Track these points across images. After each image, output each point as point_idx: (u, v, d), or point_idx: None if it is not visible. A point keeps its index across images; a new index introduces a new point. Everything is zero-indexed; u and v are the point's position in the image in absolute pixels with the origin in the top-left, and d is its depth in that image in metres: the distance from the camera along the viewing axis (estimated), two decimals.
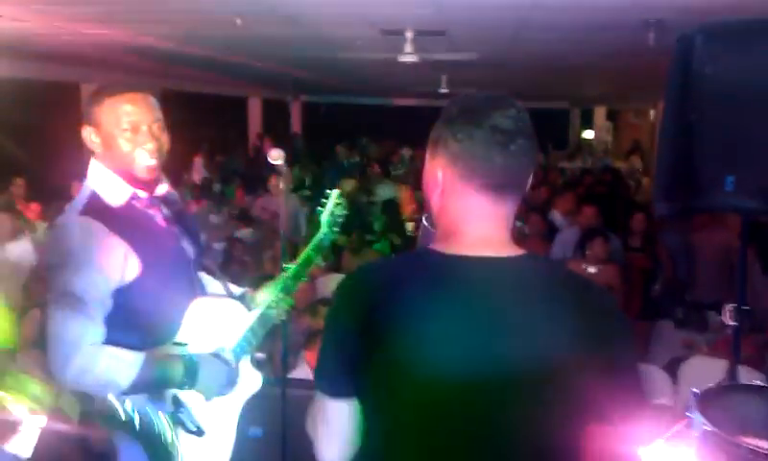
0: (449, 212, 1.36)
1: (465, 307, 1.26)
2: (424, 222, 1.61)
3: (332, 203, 2.72)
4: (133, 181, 2.12)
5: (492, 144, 1.29)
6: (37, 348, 4.71)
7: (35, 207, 7.74)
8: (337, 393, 1.37)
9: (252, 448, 2.86)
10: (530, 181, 1.38)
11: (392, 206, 8.29)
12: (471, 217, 1.34)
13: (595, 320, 1.29)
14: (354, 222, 7.93)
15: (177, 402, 2.14)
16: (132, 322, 2.04)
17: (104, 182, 2.11)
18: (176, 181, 11.31)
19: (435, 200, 1.39)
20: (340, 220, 2.72)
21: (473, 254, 1.31)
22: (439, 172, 1.36)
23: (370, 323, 1.29)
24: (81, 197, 2.12)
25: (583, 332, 1.26)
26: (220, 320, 2.29)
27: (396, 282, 1.32)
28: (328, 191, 2.78)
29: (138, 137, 2.08)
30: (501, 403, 1.25)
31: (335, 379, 1.37)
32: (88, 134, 2.15)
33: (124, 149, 2.07)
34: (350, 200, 8.83)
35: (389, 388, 1.30)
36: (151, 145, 2.09)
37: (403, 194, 8.32)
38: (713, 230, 5.88)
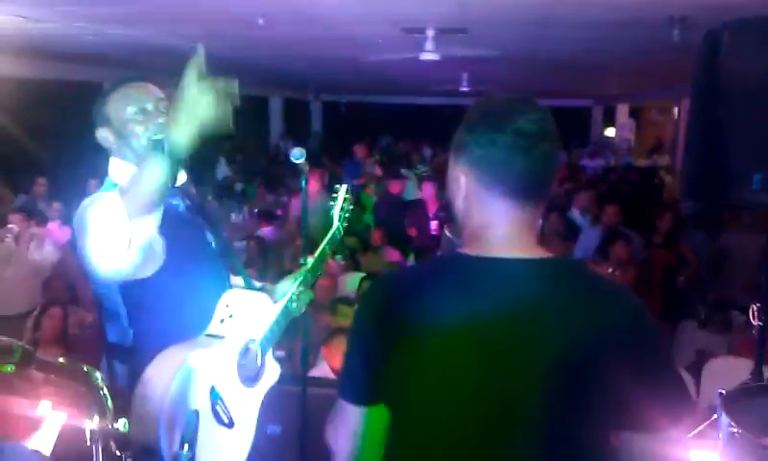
0: (474, 217, 1.36)
1: (492, 310, 1.26)
2: (447, 233, 1.60)
3: (341, 198, 2.84)
4: None
5: (515, 149, 1.28)
6: (58, 345, 4.77)
7: (56, 206, 7.82)
8: (361, 400, 1.37)
9: (272, 446, 2.87)
10: (554, 183, 1.36)
11: (416, 206, 8.29)
12: (496, 221, 1.33)
13: (623, 321, 1.27)
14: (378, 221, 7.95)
15: (213, 393, 2.15)
16: (163, 307, 2.05)
17: (125, 176, 2.12)
18: (198, 181, 11.42)
19: (458, 204, 1.38)
20: (348, 214, 2.84)
21: (500, 256, 1.30)
22: (462, 177, 1.35)
23: (396, 330, 1.29)
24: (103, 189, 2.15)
25: (610, 334, 1.25)
26: (250, 311, 2.29)
27: (421, 288, 1.32)
28: (338, 186, 2.91)
29: (147, 116, 2.13)
30: (530, 406, 1.24)
31: (360, 386, 1.37)
32: (102, 135, 2.20)
33: (137, 130, 2.12)
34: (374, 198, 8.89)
35: (416, 393, 1.29)
36: (161, 119, 2.11)
37: (426, 192, 8.30)
38: (742, 228, 5.82)
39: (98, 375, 1.06)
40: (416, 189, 9.09)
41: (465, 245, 1.37)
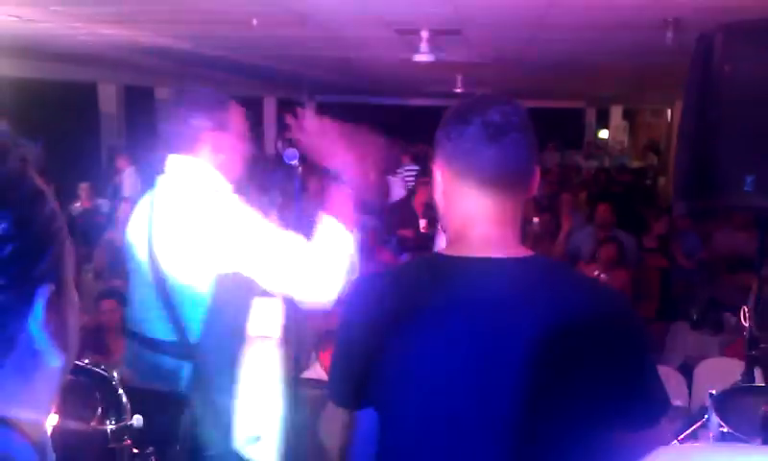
0: (453, 214, 1.37)
1: (469, 310, 1.26)
2: (440, 227, 1.60)
3: None
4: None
5: (483, 138, 1.28)
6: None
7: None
8: (349, 404, 1.39)
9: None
10: (535, 179, 1.36)
11: (402, 205, 8.33)
12: (474, 218, 1.33)
13: (604, 322, 1.27)
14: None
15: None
16: (228, 308, 2.13)
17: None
18: None
19: (438, 200, 1.40)
20: None
21: (478, 255, 1.30)
22: (438, 173, 1.37)
23: (376, 333, 1.29)
24: None
25: (590, 335, 1.24)
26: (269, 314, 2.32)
27: (402, 288, 1.34)
28: None
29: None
30: (506, 406, 1.23)
31: (346, 391, 1.39)
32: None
33: (244, 143, 2.34)
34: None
35: (397, 393, 1.30)
36: None
37: (418, 191, 8.35)
38: (734, 230, 5.84)
39: (115, 374, 1.07)
40: (401, 190, 9.12)
41: (448, 243, 1.38)
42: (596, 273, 5.43)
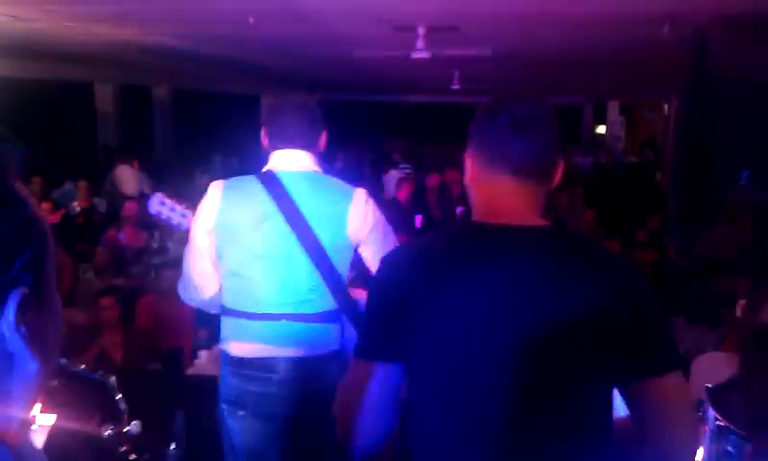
0: (480, 195, 1.50)
1: (495, 272, 1.37)
2: (458, 213, 1.78)
3: None
4: None
5: (510, 130, 1.42)
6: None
7: (45, 207, 7.80)
8: (373, 355, 1.48)
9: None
10: (558, 170, 1.49)
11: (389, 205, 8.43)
12: (500, 197, 1.46)
13: (618, 287, 1.35)
14: None
15: None
16: None
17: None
18: (190, 180, 11.38)
19: (468, 186, 1.55)
20: None
21: (506, 223, 1.42)
22: (469, 161, 1.52)
23: (411, 291, 1.42)
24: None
25: (605, 297, 1.34)
26: None
27: (434, 252, 1.47)
28: None
29: None
30: (524, 363, 1.33)
31: (373, 343, 1.49)
32: (264, 134, 2.53)
33: None
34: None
35: (423, 347, 1.41)
36: None
37: (401, 187, 8.45)
38: (729, 225, 5.84)
39: (113, 380, 1.07)
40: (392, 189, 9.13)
41: (475, 215, 1.51)
42: None
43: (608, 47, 7.33)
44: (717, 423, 1.80)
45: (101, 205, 9.10)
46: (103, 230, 7.19)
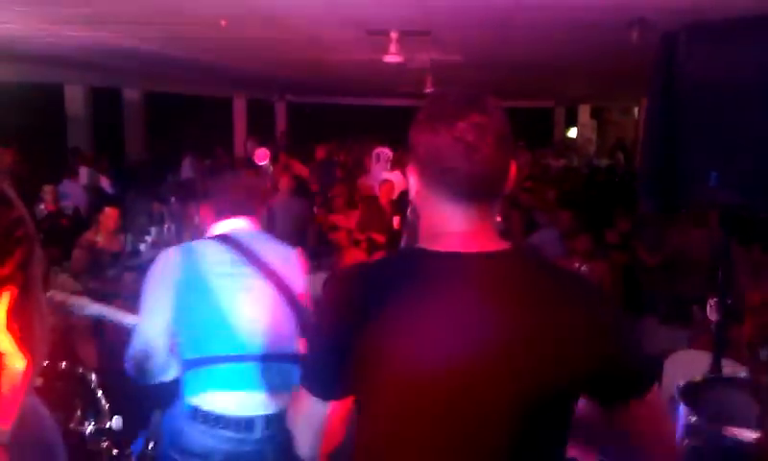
0: (427, 213, 1.38)
1: (450, 304, 1.27)
2: (409, 215, 1.65)
3: None
4: None
5: (456, 155, 1.27)
6: None
7: None
8: (324, 394, 1.38)
9: None
10: (510, 179, 1.36)
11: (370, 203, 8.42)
12: (447, 218, 1.34)
13: (582, 312, 1.29)
14: None
15: None
16: None
17: None
18: (162, 182, 11.28)
19: (414, 198, 1.41)
20: None
21: (456, 250, 1.32)
22: (413, 176, 1.38)
23: (358, 322, 1.29)
24: None
25: (569, 324, 1.27)
26: None
27: (382, 282, 1.33)
28: None
29: None
30: (487, 396, 1.26)
31: (323, 381, 1.38)
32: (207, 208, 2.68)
33: None
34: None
35: (378, 385, 1.31)
36: None
37: (383, 189, 8.42)
38: (697, 226, 5.94)
39: (93, 377, 1.07)
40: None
41: (423, 239, 1.38)
42: (577, 265, 5.50)
43: (577, 52, 7.42)
44: (689, 419, 1.84)
45: (68, 208, 8.97)
46: (71, 234, 7.10)
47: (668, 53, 2.51)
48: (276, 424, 2.38)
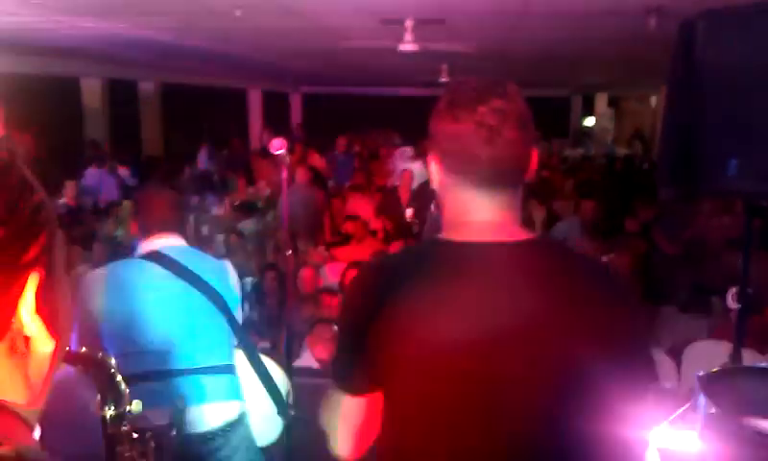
0: (449, 203, 1.38)
1: (474, 294, 1.27)
2: (432, 209, 1.65)
3: None
4: None
5: (477, 141, 1.27)
6: None
7: None
8: (355, 390, 1.38)
9: None
10: (532, 165, 1.36)
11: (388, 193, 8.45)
12: (471, 208, 1.34)
13: (602, 304, 1.29)
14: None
15: None
16: None
17: None
18: (179, 174, 11.33)
19: (436, 188, 1.42)
20: None
21: (479, 240, 1.31)
22: (434, 164, 1.38)
23: (384, 317, 1.29)
24: None
25: (589, 315, 1.27)
26: None
27: (406, 275, 1.32)
28: None
29: None
30: (512, 387, 1.26)
31: (353, 376, 1.38)
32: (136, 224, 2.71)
33: None
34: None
35: (404, 375, 1.31)
36: None
37: (402, 182, 8.39)
38: (720, 214, 5.89)
39: (113, 361, 1.09)
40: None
41: (446, 229, 1.38)
42: (602, 258, 5.49)
43: (594, 40, 7.36)
44: (709, 410, 1.82)
45: (88, 203, 9.05)
46: (91, 227, 7.18)
47: (687, 40, 2.48)
48: (217, 438, 2.46)
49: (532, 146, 1.35)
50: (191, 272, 2.51)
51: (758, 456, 1.71)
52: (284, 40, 7.88)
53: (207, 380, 2.49)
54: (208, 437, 2.46)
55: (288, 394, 2.86)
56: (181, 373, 2.43)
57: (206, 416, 2.46)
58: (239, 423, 2.59)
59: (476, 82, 1.34)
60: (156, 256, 2.52)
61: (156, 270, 2.49)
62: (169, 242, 2.58)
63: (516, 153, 1.31)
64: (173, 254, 2.53)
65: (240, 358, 2.68)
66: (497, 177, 1.31)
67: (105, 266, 2.61)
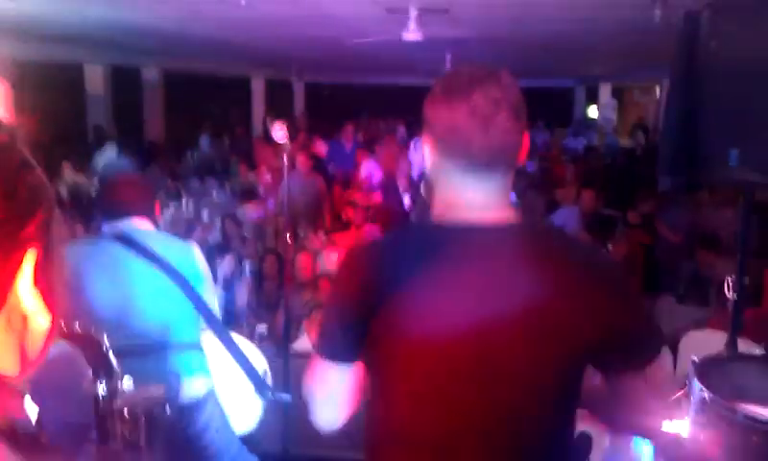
0: (441, 186, 1.40)
1: (459, 273, 1.30)
2: (422, 190, 1.67)
3: None
4: None
5: (470, 127, 1.30)
6: None
7: None
8: (338, 357, 1.41)
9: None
10: (523, 149, 1.38)
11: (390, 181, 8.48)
12: (462, 191, 1.36)
13: (593, 285, 1.32)
14: None
15: None
16: None
17: None
18: (180, 160, 11.32)
19: (428, 172, 1.44)
20: None
21: (470, 223, 1.34)
22: (428, 148, 1.40)
23: (372, 291, 1.33)
24: None
25: (581, 297, 1.29)
26: None
27: (392, 254, 1.37)
28: None
29: None
30: (504, 363, 1.29)
31: (337, 345, 1.41)
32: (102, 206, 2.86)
33: None
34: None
35: (393, 352, 1.35)
36: None
37: (399, 170, 8.46)
38: (721, 205, 5.90)
39: (105, 338, 1.12)
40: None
41: (437, 212, 1.41)
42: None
43: (599, 30, 7.34)
44: (701, 394, 1.84)
45: (86, 186, 9.04)
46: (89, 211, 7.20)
47: (691, 31, 2.49)
48: (184, 414, 2.51)
49: (523, 128, 1.37)
50: (152, 253, 2.55)
51: (749, 441, 1.73)
52: (288, 29, 7.87)
53: (170, 357, 2.54)
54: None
55: (265, 373, 2.88)
56: (139, 349, 2.44)
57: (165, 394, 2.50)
58: (207, 400, 2.63)
59: (471, 68, 1.36)
60: (121, 237, 2.57)
61: (117, 249, 2.53)
62: (133, 224, 2.63)
63: (508, 140, 1.33)
64: (136, 236, 2.58)
65: (212, 339, 2.72)
66: (489, 163, 1.34)
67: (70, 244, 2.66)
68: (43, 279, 0.75)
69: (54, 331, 0.79)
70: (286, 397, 2.93)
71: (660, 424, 1.44)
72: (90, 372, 1.14)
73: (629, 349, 1.34)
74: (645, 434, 1.42)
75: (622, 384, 1.37)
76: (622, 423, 1.50)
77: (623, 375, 1.36)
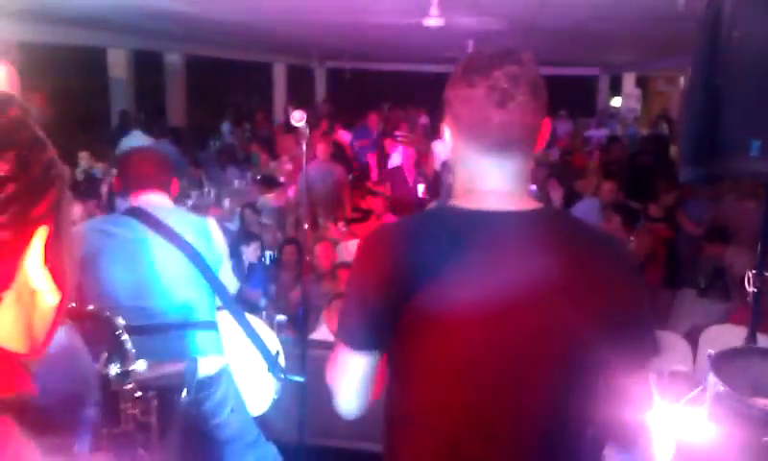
0: (461, 169, 1.41)
1: (484, 261, 1.30)
2: (444, 175, 1.68)
3: None
4: None
5: (490, 104, 1.30)
6: None
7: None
8: (359, 346, 1.40)
9: (275, 405, 2.95)
10: (543, 133, 1.38)
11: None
12: (480, 174, 1.37)
13: (607, 275, 1.32)
14: None
15: None
16: None
17: None
18: (204, 147, 11.36)
19: (449, 156, 1.45)
20: None
21: (488, 208, 1.34)
22: (447, 131, 1.41)
23: (392, 277, 1.33)
24: None
25: (595, 285, 1.30)
26: None
27: (415, 238, 1.36)
28: None
29: None
30: (519, 351, 1.30)
31: (358, 333, 1.40)
32: (119, 181, 2.86)
33: None
34: None
35: (427, 338, 1.34)
36: None
37: (405, 161, 8.47)
38: (744, 197, 5.82)
39: (119, 320, 1.12)
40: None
41: (456, 196, 1.42)
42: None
43: (623, 17, 7.25)
44: (718, 388, 1.82)
45: (100, 171, 9.07)
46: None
47: (713, 19, 2.45)
48: (198, 392, 2.51)
49: (544, 115, 1.37)
50: (168, 229, 2.54)
51: (764, 434, 1.71)
52: (310, 14, 7.86)
53: (187, 336, 2.54)
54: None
55: (278, 354, 2.88)
56: (156, 328, 2.47)
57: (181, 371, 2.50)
58: (221, 377, 2.64)
59: (491, 50, 1.36)
60: (137, 213, 2.57)
61: (133, 225, 2.54)
62: (151, 199, 2.62)
63: (527, 120, 1.33)
64: (152, 211, 2.57)
65: (227, 318, 2.72)
66: (508, 143, 1.34)
67: (84, 222, 2.67)
68: (53, 258, 0.76)
69: (62, 310, 0.79)
70: (298, 378, 2.94)
71: (654, 423, 1.43)
72: (105, 354, 1.15)
73: (629, 341, 1.34)
74: (639, 433, 1.40)
75: (618, 384, 1.37)
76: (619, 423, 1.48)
77: (620, 372, 1.36)
